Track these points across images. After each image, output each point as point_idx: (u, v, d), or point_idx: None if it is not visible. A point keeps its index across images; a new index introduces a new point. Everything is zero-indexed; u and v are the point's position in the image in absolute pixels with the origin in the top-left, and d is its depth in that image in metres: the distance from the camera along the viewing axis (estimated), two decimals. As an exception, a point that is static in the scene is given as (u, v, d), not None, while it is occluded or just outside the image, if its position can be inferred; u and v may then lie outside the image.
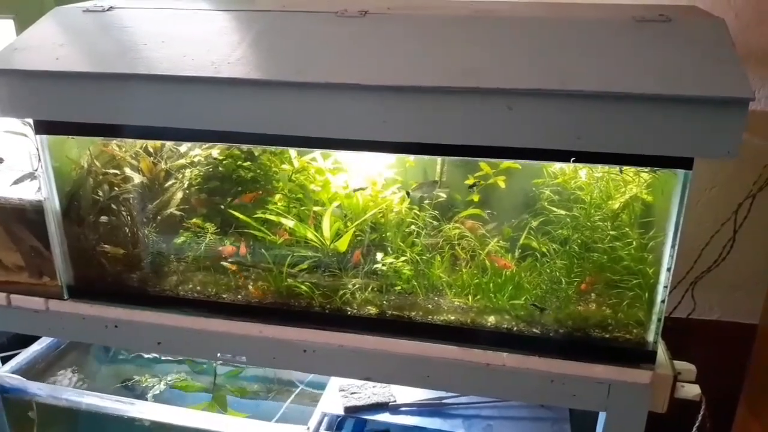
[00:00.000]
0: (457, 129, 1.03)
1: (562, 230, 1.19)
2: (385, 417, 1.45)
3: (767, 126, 1.60)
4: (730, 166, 1.63)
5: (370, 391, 1.50)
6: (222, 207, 1.34)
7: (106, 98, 1.14)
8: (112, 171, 1.34)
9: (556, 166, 1.19)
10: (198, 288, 1.32)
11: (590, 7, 1.24)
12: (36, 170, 1.28)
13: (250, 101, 1.08)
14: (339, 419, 1.47)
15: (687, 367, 1.14)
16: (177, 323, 1.28)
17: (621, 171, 1.14)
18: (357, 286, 1.25)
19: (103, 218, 1.35)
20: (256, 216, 1.30)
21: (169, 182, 1.35)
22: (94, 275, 1.35)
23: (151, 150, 1.34)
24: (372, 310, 1.24)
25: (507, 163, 1.21)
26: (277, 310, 1.26)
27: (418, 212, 1.26)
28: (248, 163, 1.34)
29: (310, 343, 1.22)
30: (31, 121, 1.23)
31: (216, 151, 1.34)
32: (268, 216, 1.29)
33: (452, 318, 1.20)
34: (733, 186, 1.64)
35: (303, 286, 1.26)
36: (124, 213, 1.35)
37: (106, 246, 1.34)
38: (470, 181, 1.25)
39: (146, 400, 1.69)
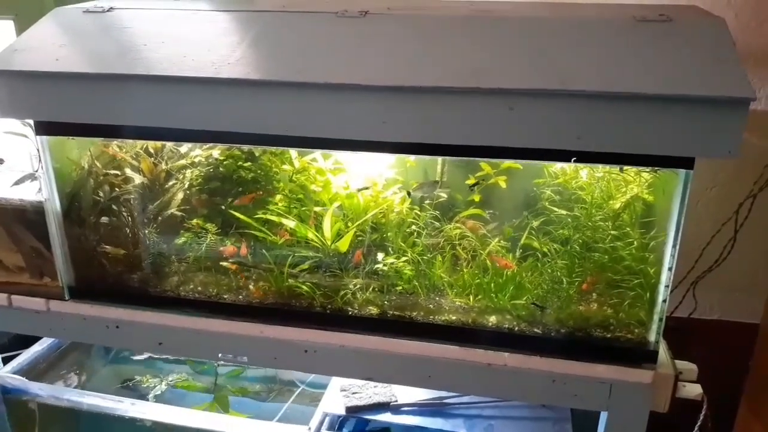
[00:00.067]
0: (457, 129, 1.02)
1: (563, 230, 1.19)
2: (386, 417, 1.44)
3: (767, 126, 1.60)
4: (730, 165, 1.63)
5: (372, 391, 1.50)
6: (223, 207, 1.34)
7: (106, 99, 1.14)
8: (112, 172, 1.34)
9: (557, 166, 1.19)
10: (199, 288, 1.32)
11: (591, 6, 1.24)
12: (36, 171, 1.28)
13: (250, 102, 1.08)
14: (340, 419, 1.47)
15: (688, 367, 1.14)
16: (178, 324, 1.28)
17: (622, 171, 1.14)
18: (358, 286, 1.25)
19: (104, 219, 1.35)
20: (257, 216, 1.30)
21: (170, 183, 1.35)
22: (95, 276, 1.35)
23: (152, 150, 1.34)
24: (373, 310, 1.24)
25: (508, 163, 1.21)
26: (278, 310, 1.26)
27: (418, 212, 1.26)
28: (249, 163, 1.34)
29: (312, 343, 1.22)
30: (31, 121, 1.23)
31: (216, 151, 1.34)
32: (268, 216, 1.29)
33: (453, 318, 1.20)
34: (733, 186, 1.64)
35: (304, 287, 1.26)
36: (124, 214, 1.35)
37: (106, 247, 1.35)
38: (471, 181, 1.25)
39: (147, 400, 1.69)
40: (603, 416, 1.15)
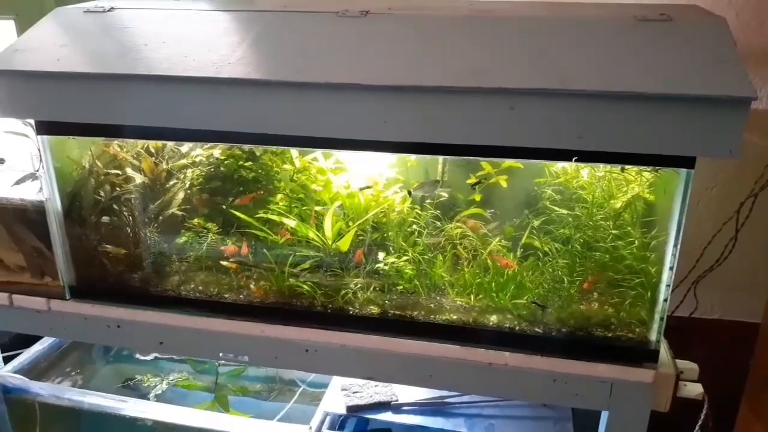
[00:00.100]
0: (458, 129, 1.02)
1: (564, 229, 1.19)
2: (387, 416, 1.45)
3: (768, 125, 1.60)
4: (731, 165, 1.63)
5: (372, 391, 1.50)
6: (223, 207, 1.34)
7: (107, 99, 1.14)
8: (113, 171, 1.34)
9: (558, 166, 1.19)
10: (200, 288, 1.32)
11: (591, 6, 1.24)
12: (37, 171, 1.28)
13: (251, 101, 1.08)
14: (341, 418, 1.47)
15: (689, 366, 1.14)
16: (179, 323, 1.28)
17: (623, 170, 1.14)
18: (359, 285, 1.25)
19: (105, 218, 1.35)
20: (257, 216, 1.30)
21: (171, 182, 1.35)
22: (95, 275, 1.35)
23: (153, 150, 1.34)
24: (374, 309, 1.24)
25: (509, 162, 1.20)
26: (279, 309, 1.26)
27: (419, 212, 1.26)
28: (250, 163, 1.34)
29: (312, 342, 1.22)
30: (32, 121, 1.23)
31: (217, 151, 1.34)
32: (269, 216, 1.29)
33: (454, 317, 1.20)
34: (734, 185, 1.64)
35: (305, 286, 1.26)
36: (125, 213, 1.35)
37: (107, 246, 1.35)
38: (473, 180, 1.25)
39: (148, 399, 1.69)
40: (604, 415, 1.15)
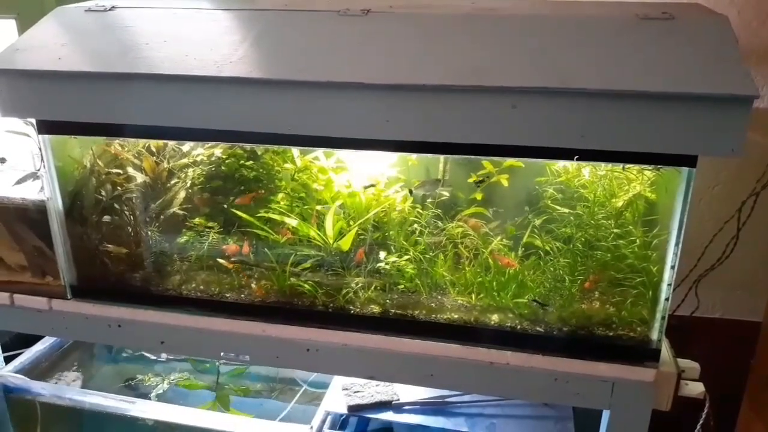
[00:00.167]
0: (459, 127, 1.02)
1: (565, 228, 1.19)
2: (388, 416, 1.45)
3: (770, 124, 1.60)
4: (733, 164, 1.63)
5: (374, 390, 1.50)
6: (225, 206, 1.34)
7: (108, 98, 1.14)
8: (114, 170, 1.34)
9: (560, 165, 1.19)
10: (201, 287, 1.32)
11: (593, 4, 1.24)
12: (39, 170, 1.28)
13: (252, 100, 1.08)
14: (342, 418, 1.47)
15: (691, 365, 1.14)
16: (180, 322, 1.28)
17: (624, 169, 1.14)
18: (360, 284, 1.25)
19: (106, 218, 1.35)
20: (259, 215, 1.30)
21: (172, 181, 1.35)
22: (97, 275, 1.35)
23: (154, 149, 1.34)
24: (375, 308, 1.24)
25: (510, 161, 1.20)
26: (280, 309, 1.26)
27: (420, 211, 1.26)
28: (251, 162, 1.34)
29: (314, 342, 1.22)
30: (33, 120, 1.23)
31: (218, 150, 1.34)
32: (271, 215, 1.29)
33: (456, 317, 1.20)
34: (736, 184, 1.63)
35: (306, 285, 1.26)
36: (126, 212, 1.35)
37: (109, 245, 1.35)
38: (474, 179, 1.25)
39: (149, 399, 1.69)
40: (605, 415, 1.15)
